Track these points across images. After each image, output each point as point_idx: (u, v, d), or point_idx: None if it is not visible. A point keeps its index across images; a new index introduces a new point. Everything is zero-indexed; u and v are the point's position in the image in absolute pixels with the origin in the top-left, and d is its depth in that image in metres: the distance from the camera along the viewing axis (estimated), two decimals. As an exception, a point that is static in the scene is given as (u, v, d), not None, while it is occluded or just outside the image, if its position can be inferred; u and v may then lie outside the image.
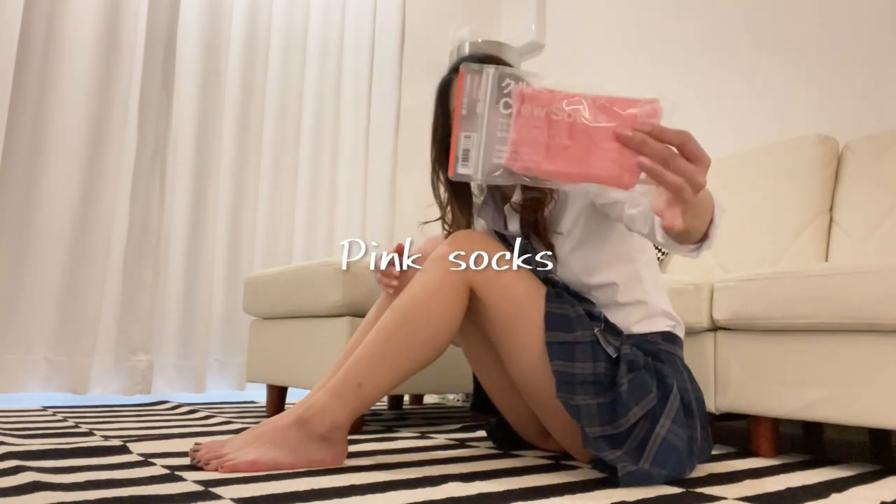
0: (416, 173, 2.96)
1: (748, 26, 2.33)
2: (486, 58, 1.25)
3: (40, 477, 0.87)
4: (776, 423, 1.39)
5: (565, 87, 0.78)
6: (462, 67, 0.79)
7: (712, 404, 1.45)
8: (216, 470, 0.97)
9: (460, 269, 1.07)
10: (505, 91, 0.78)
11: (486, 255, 1.08)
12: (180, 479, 0.92)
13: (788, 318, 1.30)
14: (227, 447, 1.01)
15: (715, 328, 1.47)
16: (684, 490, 0.97)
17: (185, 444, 1.24)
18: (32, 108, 2.07)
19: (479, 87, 0.78)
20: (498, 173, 0.78)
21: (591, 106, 0.76)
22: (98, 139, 2.16)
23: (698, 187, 0.74)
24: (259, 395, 2.55)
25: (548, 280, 1.14)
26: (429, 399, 2.71)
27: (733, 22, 2.38)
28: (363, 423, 1.68)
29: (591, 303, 1.17)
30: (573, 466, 1.14)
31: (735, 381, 1.41)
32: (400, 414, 2.05)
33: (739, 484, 1.05)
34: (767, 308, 1.33)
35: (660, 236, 0.93)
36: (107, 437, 1.32)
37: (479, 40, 2.87)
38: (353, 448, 1.26)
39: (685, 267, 2.05)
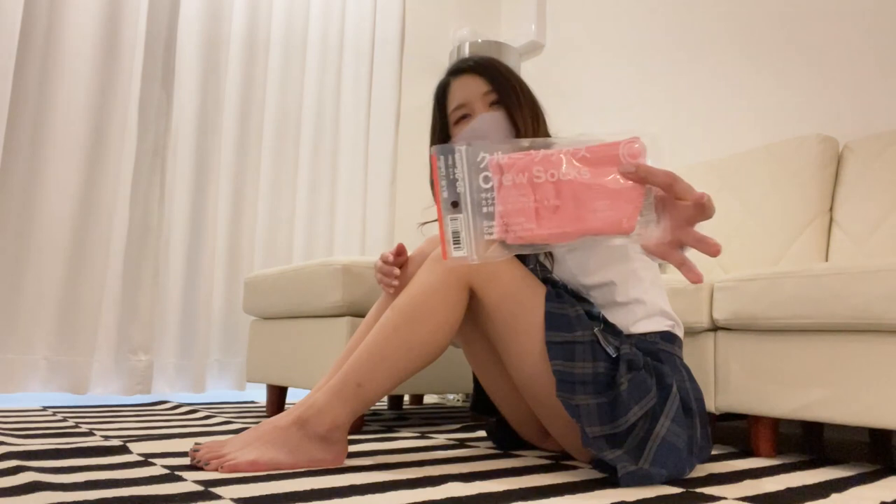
0: (416, 173, 2.96)
1: (748, 26, 2.33)
2: (487, 60, 1.25)
3: (40, 477, 0.87)
4: (776, 423, 1.39)
5: (536, 144, 0.77)
6: (432, 151, 0.78)
7: (712, 404, 1.45)
8: (216, 470, 0.97)
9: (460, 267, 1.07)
10: (481, 165, 0.76)
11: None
12: (180, 479, 0.92)
13: (788, 318, 1.30)
14: (227, 447, 1.01)
15: (715, 328, 1.47)
16: (684, 490, 0.97)
17: (185, 444, 1.24)
18: (32, 108, 2.07)
19: (453, 166, 0.77)
20: (493, 249, 0.76)
21: (571, 160, 0.75)
22: (98, 139, 2.16)
23: (696, 222, 0.76)
24: (259, 395, 2.55)
25: (547, 280, 1.14)
26: (429, 399, 2.71)
27: (733, 22, 2.38)
28: (363, 423, 1.68)
29: (590, 303, 1.17)
30: (573, 466, 1.14)
31: (735, 381, 1.41)
32: (400, 414, 2.05)
33: (739, 484, 1.05)
34: (767, 308, 1.33)
35: (640, 250, 0.94)
36: (107, 437, 1.32)
37: (479, 40, 2.88)
38: (353, 448, 1.26)
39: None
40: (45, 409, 1.87)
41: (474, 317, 1.13)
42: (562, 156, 0.75)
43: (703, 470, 1.16)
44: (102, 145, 2.17)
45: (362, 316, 1.65)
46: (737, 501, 0.91)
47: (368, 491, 0.88)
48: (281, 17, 2.66)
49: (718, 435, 1.76)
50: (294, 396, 2.22)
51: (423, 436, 1.51)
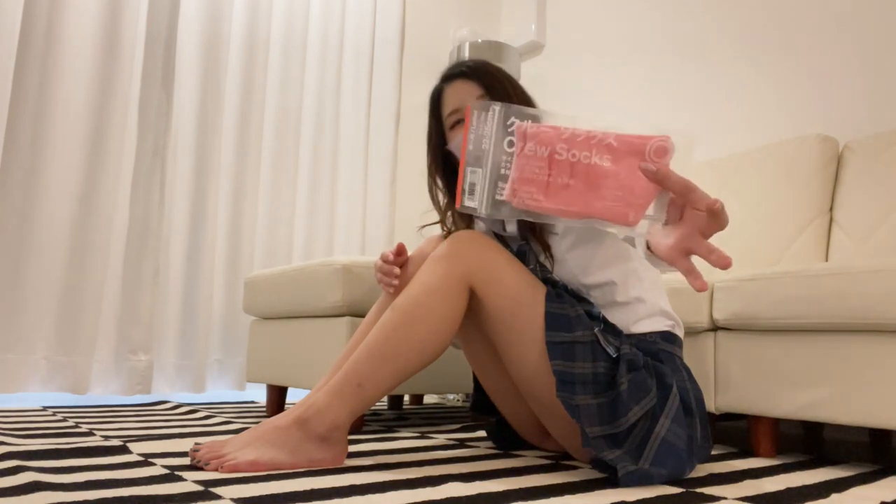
0: (415, 173, 2.96)
1: (748, 26, 2.33)
2: (479, 64, 1.25)
3: (40, 477, 0.87)
4: (776, 423, 1.39)
5: (579, 120, 0.79)
6: (470, 105, 0.81)
7: (712, 404, 1.45)
8: (216, 470, 0.97)
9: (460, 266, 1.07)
10: (510, 129, 0.79)
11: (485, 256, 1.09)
12: (180, 479, 0.92)
13: (788, 318, 1.30)
14: (227, 447, 1.01)
15: (715, 328, 1.47)
16: (684, 490, 0.97)
17: (185, 444, 1.24)
18: (32, 107, 2.07)
19: (484, 123, 0.80)
20: (501, 209, 0.80)
21: (597, 145, 0.76)
22: (98, 139, 2.16)
23: (710, 233, 0.77)
24: (259, 395, 2.55)
25: (547, 280, 1.14)
26: (429, 399, 2.71)
27: (733, 22, 2.38)
28: (363, 423, 1.68)
29: (590, 303, 1.17)
30: (573, 466, 1.14)
31: (735, 381, 1.41)
32: (400, 414, 2.05)
33: (739, 484, 1.05)
34: (767, 308, 1.33)
35: (640, 250, 0.94)
36: (107, 437, 1.32)
37: (479, 40, 2.87)
38: (353, 448, 1.26)
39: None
40: (45, 409, 1.87)
41: (474, 317, 1.13)
42: (588, 139, 0.77)
43: (703, 470, 1.16)
44: (102, 145, 2.17)
45: (362, 316, 1.65)
46: (737, 501, 0.91)
47: (368, 491, 0.88)
48: (281, 17, 2.66)
49: (718, 435, 1.76)
50: (294, 396, 2.22)
51: (423, 436, 1.51)
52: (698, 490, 0.98)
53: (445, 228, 1.33)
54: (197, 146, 2.39)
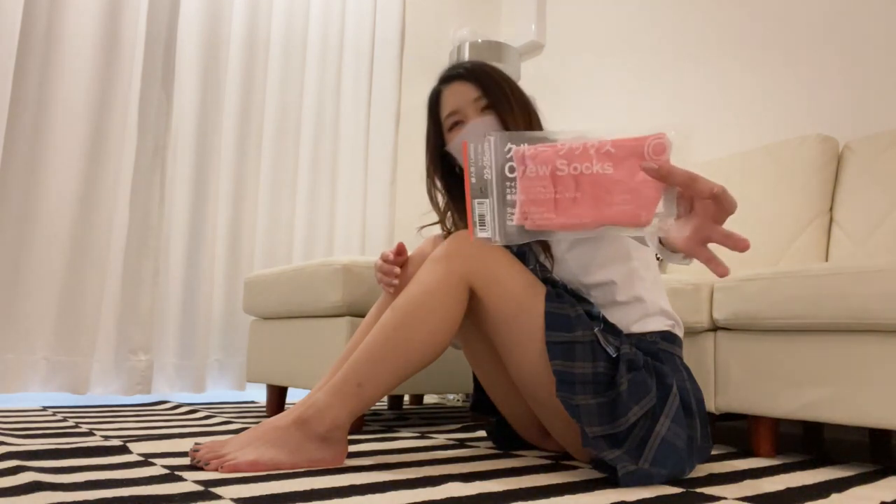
0: (416, 173, 2.95)
1: (748, 26, 2.33)
2: (476, 65, 1.25)
3: (40, 477, 0.87)
4: (776, 423, 1.39)
5: (574, 134, 0.80)
6: (464, 140, 0.83)
7: (712, 404, 1.45)
8: (216, 470, 0.97)
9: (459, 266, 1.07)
10: (508, 155, 0.81)
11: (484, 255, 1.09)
12: (180, 479, 0.92)
13: (788, 318, 1.30)
14: (227, 447, 1.01)
15: (715, 328, 1.47)
16: (684, 490, 0.97)
17: (185, 444, 1.24)
18: (32, 107, 2.07)
19: (483, 154, 0.82)
20: (515, 233, 0.81)
21: (595, 155, 0.77)
22: (98, 139, 2.16)
23: (722, 219, 0.79)
24: (259, 395, 2.55)
25: (547, 280, 1.14)
26: (429, 399, 2.71)
27: (733, 22, 2.38)
28: (363, 423, 1.68)
29: (590, 303, 1.17)
30: (573, 466, 1.14)
31: (735, 381, 1.41)
32: (400, 414, 2.05)
33: (739, 484, 1.05)
34: (767, 308, 1.33)
35: (653, 247, 0.94)
36: (107, 437, 1.32)
37: (479, 40, 2.87)
38: (353, 448, 1.26)
39: (685, 267, 2.05)
40: (45, 409, 1.87)
41: (474, 317, 1.13)
42: (586, 150, 0.78)
43: (703, 470, 1.16)
44: (102, 145, 2.17)
45: (362, 316, 1.65)
46: (737, 501, 0.91)
47: (368, 491, 0.88)
48: (281, 17, 2.66)
49: (718, 435, 1.76)
50: (294, 396, 2.22)
51: (423, 436, 1.51)
52: (698, 490, 0.98)
53: (445, 229, 1.33)
54: (197, 146, 2.39)
